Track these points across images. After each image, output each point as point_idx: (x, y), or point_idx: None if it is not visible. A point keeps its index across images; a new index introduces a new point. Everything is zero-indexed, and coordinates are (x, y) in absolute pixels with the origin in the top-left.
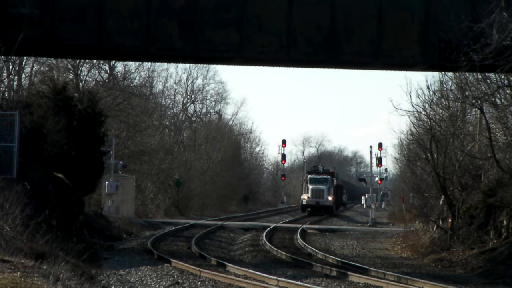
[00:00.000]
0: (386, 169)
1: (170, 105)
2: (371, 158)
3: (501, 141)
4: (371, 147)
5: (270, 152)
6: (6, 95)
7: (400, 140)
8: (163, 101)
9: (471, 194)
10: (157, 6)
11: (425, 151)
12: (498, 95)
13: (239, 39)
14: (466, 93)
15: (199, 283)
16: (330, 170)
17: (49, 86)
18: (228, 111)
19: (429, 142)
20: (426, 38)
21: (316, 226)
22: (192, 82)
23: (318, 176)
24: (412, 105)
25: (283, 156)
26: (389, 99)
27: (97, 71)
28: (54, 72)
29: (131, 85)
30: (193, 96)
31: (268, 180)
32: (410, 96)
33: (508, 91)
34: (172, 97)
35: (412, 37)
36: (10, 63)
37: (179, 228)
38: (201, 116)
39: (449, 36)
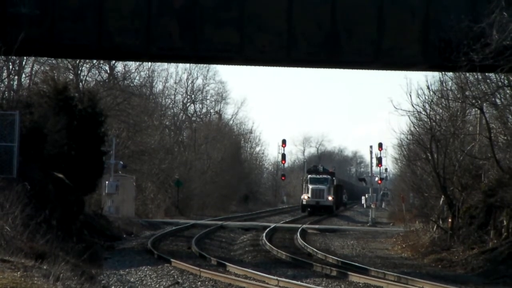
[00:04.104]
0: (386, 169)
1: (170, 105)
2: (371, 158)
3: (501, 141)
4: (371, 147)
5: (270, 152)
6: (6, 94)
7: (400, 140)
8: (163, 101)
9: (471, 194)
10: (158, 6)
11: (425, 151)
12: (498, 95)
13: (239, 39)
14: (466, 93)
15: (199, 283)
16: (330, 170)
17: (50, 85)
18: (228, 111)
19: (429, 142)
20: (426, 37)
21: (316, 226)
22: (192, 82)
23: (318, 176)
24: (412, 105)
25: (283, 156)
26: (389, 99)
27: (97, 71)
28: (54, 72)
29: (131, 85)
30: (193, 96)
31: (268, 180)
32: (410, 96)
33: (508, 91)
34: (172, 97)
35: (412, 36)
36: (10, 63)
37: (179, 228)
38: (201, 116)
39: (450, 36)
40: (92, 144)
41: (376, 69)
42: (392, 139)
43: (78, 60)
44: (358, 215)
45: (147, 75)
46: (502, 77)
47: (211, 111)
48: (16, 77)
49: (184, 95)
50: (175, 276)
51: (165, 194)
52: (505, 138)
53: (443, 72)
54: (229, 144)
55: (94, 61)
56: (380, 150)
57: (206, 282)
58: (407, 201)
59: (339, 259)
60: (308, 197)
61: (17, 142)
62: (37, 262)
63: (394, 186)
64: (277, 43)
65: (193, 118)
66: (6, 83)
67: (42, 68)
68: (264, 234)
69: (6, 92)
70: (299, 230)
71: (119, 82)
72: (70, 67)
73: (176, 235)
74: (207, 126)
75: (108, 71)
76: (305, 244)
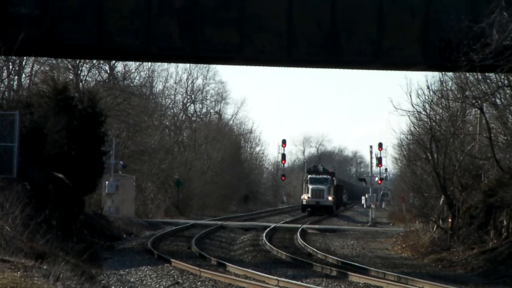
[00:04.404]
0: (386, 169)
1: (170, 105)
2: (371, 158)
3: (501, 141)
4: (371, 147)
5: (270, 152)
6: (6, 94)
7: (400, 140)
8: (163, 101)
9: (471, 194)
10: (158, 6)
11: (425, 151)
12: (498, 95)
13: (239, 39)
14: (466, 93)
15: (199, 283)
16: (330, 170)
17: (50, 86)
18: (228, 111)
19: (429, 142)
20: (426, 37)
21: (316, 226)
22: (192, 82)
23: (318, 176)
24: (412, 105)
25: (283, 156)
26: (389, 99)
27: (97, 71)
28: (54, 72)
29: (131, 85)
30: (193, 96)
31: (268, 180)
32: (410, 96)
33: (508, 91)
34: (172, 97)
35: (412, 36)
36: (10, 63)
37: (179, 228)
38: (201, 116)
39: (450, 36)
40: (92, 144)
41: (376, 69)
42: (392, 139)
43: (78, 60)
44: (358, 215)
45: (147, 75)
46: (502, 77)
47: (211, 111)
48: (16, 77)
49: (184, 95)
50: (175, 276)
51: (165, 194)
52: (505, 138)
53: (443, 72)
54: (229, 144)
55: (94, 61)
56: (380, 150)
57: (206, 282)
58: (407, 201)
59: (339, 259)
60: (308, 197)
61: (17, 142)
62: (37, 262)
63: (394, 186)
64: (277, 43)
65: (193, 118)
66: (6, 83)
67: (42, 68)
68: (264, 234)
69: (6, 92)
70: (299, 230)
71: (119, 82)
72: (70, 67)
73: (176, 235)
74: (207, 126)
75: (108, 71)
76: (305, 244)
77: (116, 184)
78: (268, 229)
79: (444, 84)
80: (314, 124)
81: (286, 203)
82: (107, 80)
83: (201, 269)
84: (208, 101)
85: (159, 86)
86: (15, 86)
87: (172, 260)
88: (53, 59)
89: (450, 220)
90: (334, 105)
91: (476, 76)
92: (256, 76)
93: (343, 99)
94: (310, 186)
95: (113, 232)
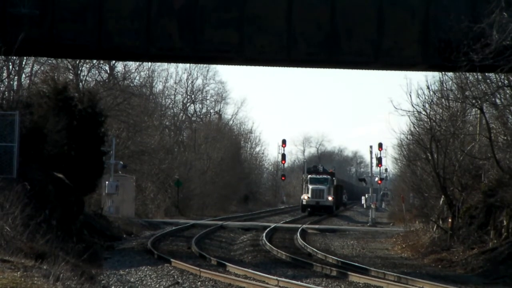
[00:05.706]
0: (386, 169)
1: (170, 105)
2: (371, 158)
3: (501, 141)
4: (371, 147)
5: (270, 152)
6: (6, 95)
7: (400, 140)
8: (163, 101)
9: (471, 194)
10: (157, 6)
11: (425, 151)
12: (498, 95)
13: (239, 39)
14: (466, 93)
15: (199, 283)
16: (330, 170)
17: (50, 86)
18: (228, 111)
19: (429, 142)
20: (426, 38)
21: (316, 226)
22: (192, 82)
23: (318, 176)
24: (412, 105)
25: (283, 156)
26: (389, 99)
27: (97, 71)
28: (54, 72)
29: (131, 85)
30: (193, 96)
31: (268, 180)
32: (410, 96)
33: (508, 91)
34: (172, 97)
35: (412, 37)
36: (10, 63)
37: (179, 228)
38: (201, 116)
39: (449, 36)
40: (92, 144)
41: (376, 69)
42: (392, 139)
43: (78, 60)
44: (358, 215)
45: (147, 75)
46: (502, 77)
47: (211, 111)
48: (16, 77)
49: (184, 95)
50: (175, 276)
51: (165, 194)
52: (505, 138)
53: (443, 72)
54: (229, 144)
55: (94, 61)
56: (380, 150)
57: (206, 282)
58: (407, 201)
59: (339, 259)
60: (308, 197)
61: (17, 142)
62: (37, 262)
63: (394, 186)
64: (277, 44)
65: (193, 118)
66: (6, 83)
67: (42, 68)
68: (264, 234)
69: (6, 92)
70: (299, 230)
71: (119, 82)
72: (70, 67)
73: (176, 235)
74: (207, 126)
75: (108, 71)
76: (305, 244)
77: (116, 184)
78: (268, 229)
79: (444, 84)
80: (314, 124)
81: (286, 203)
82: (107, 80)
83: (201, 269)
84: (208, 101)
85: (159, 86)
86: (15, 86)
87: (172, 260)
88: (53, 59)
89: (450, 220)
90: (334, 105)
91: (476, 76)
92: (256, 76)
93: (343, 99)
94: (310, 186)
95: (113, 232)
